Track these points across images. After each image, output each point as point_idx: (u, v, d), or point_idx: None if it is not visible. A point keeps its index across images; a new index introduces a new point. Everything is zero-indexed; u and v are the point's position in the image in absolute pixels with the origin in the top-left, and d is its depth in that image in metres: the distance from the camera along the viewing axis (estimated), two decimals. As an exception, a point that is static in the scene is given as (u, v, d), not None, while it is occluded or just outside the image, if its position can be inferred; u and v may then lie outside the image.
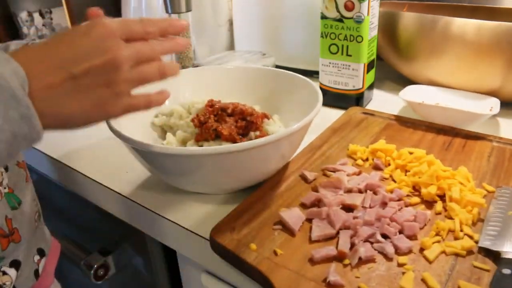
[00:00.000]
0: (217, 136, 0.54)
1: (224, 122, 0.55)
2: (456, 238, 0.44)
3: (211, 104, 0.58)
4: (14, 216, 0.48)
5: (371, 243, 0.44)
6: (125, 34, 0.37)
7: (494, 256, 0.41)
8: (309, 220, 0.47)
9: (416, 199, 0.50)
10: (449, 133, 0.64)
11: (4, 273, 0.47)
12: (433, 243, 0.43)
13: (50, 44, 0.35)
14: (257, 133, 0.55)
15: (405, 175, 0.54)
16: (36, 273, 0.52)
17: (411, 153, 0.57)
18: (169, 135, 0.58)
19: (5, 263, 0.47)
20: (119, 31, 0.36)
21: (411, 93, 0.74)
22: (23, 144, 0.33)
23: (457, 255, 0.42)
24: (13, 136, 0.31)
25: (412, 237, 0.44)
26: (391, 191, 0.51)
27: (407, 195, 0.51)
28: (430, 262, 0.41)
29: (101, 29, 0.35)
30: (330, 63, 0.77)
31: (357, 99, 0.77)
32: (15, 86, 0.30)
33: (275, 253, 0.43)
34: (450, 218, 0.47)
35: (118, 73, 0.36)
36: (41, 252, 0.54)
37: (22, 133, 0.32)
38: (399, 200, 0.49)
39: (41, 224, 0.57)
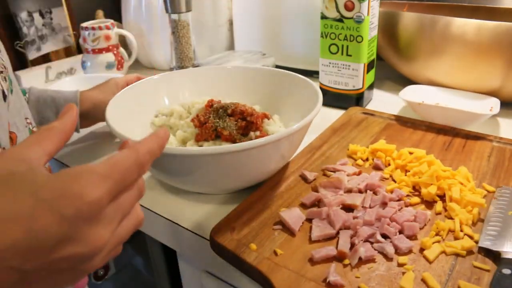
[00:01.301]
0: (217, 136, 0.54)
1: (224, 122, 0.55)
2: (456, 238, 0.44)
3: (211, 104, 0.58)
4: None
5: (371, 243, 0.44)
6: (116, 191, 0.26)
7: (494, 256, 0.41)
8: (309, 220, 0.47)
9: (416, 199, 0.50)
10: (449, 133, 0.64)
11: None
12: (433, 243, 0.43)
13: None
14: (257, 133, 0.55)
15: (405, 175, 0.54)
16: None
17: (411, 153, 0.57)
18: (169, 135, 0.58)
19: None
20: (109, 196, 0.26)
21: (411, 93, 0.74)
22: None
23: (457, 255, 0.42)
24: None
25: (412, 237, 0.44)
26: (391, 191, 0.51)
27: (407, 195, 0.51)
28: (430, 262, 0.41)
29: (82, 205, 0.24)
30: (330, 63, 0.77)
31: (357, 99, 0.77)
32: None
33: (275, 253, 0.43)
34: (450, 218, 0.47)
35: (91, 260, 0.26)
36: None
37: None
38: (399, 200, 0.49)
39: None
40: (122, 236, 0.29)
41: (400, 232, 0.45)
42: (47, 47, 1.01)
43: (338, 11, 0.72)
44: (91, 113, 0.66)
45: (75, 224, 0.24)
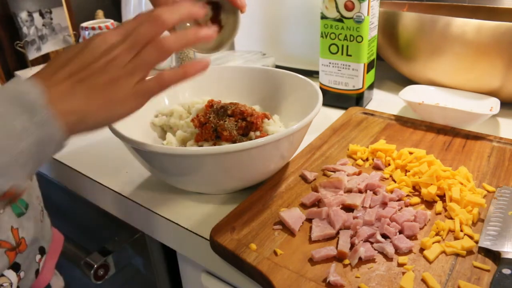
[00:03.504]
0: (217, 136, 0.54)
1: (224, 122, 0.55)
2: (456, 238, 0.44)
3: (211, 104, 0.58)
4: (20, 224, 0.48)
5: (371, 243, 0.44)
6: (121, 34, 0.39)
7: (494, 256, 0.41)
8: (309, 220, 0.47)
9: (416, 199, 0.50)
10: (449, 133, 0.64)
11: (2, 275, 0.46)
12: (433, 243, 0.43)
13: (57, 61, 0.39)
14: (257, 133, 0.55)
15: (405, 175, 0.54)
16: (37, 272, 0.52)
17: (411, 153, 0.57)
18: (169, 135, 0.58)
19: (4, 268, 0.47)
20: (114, 33, 0.38)
21: (411, 93, 0.74)
22: (50, 147, 0.36)
23: (457, 255, 0.42)
24: (40, 139, 0.35)
25: (412, 237, 0.44)
26: (391, 191, 0.51)
27: (407, 195, 0.51)
28: (430, 262, 0.41)
29: (96, 37, 0.38)
30: (330, 63, 0.77)
31: (357, 99, 0.77)
32: (33, 97, 0.35)
33: (275, 253, 0.43)
34: (450, 218, 0.47)
35: (112, 66, 0.38)
36: (42, 251, 0.54)
37: (48, 135, 0.35)
38: (399, 200, 0.49)
39: (45, 219, 0.57)
40: (141, 56, 0.39)
41: (400, 232, 0.45)
42: (47, 47, 1.01)
43: (338, 11, 0.72)
44: None
45: (91, 38, 0.38)
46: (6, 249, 0.46)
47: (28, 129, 0.34)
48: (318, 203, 0.50)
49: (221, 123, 0.54)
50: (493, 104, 0.68)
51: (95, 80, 0.37)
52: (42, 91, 0.35)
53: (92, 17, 1.11)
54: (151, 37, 0.39)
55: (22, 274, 0.48)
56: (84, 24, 0.96)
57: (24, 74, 0.96)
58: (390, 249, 0.42)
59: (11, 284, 0.47)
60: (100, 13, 1.12)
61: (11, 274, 0.47)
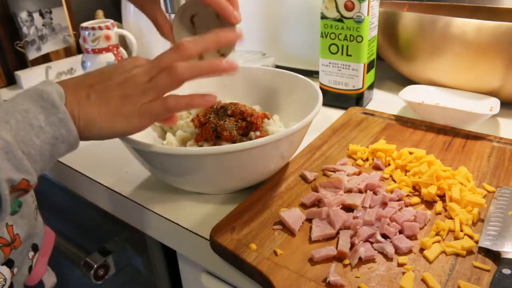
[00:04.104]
0: (217, 136, 0.54)
1: (224, 122, 0.55)
2: (456, 238, 0.44)
3: (211, 105, 0.58)
4: (14, 221, 0.48)
5: (371, 243, 0.44)
6: (150, 61, 0.43)
7: (494, 256, 0.41)
8: (309, 220, 0.47)
9: (416, 199, 0.50)
10: (449, 133, 0.64)
11: None
12: (433, 243, 0.43)
13: (86, 75, 0.43)
14: (257, 133, 0.55)
15: (405, 175, 0.54)
16: (30, 269, 0.53)
17: (411, 153, 0.57)
18: (169, 135, 0.58)
19: None
20: (144, 59, 0.43)
21: (411, 93, 0.74)
22: (63, 147, 0.39)
23: (457, 255, 0.42)
24: (54, 138, 0.38)
25: (412, 237, 0.44)
26: (391, 191, 0.51)
27: (407, 195, 0.51)
28: (430, 262, 0.41)
29: (132, 59, 0.43)
30: (330, 63, 0.77)
31: (357, 99, 0.77)
32: (54, 97, 0.38)
33: (275, 253, 0.43)
34: (450, 218, 0.47)
35: (129, 73, 0.42)
36: (35, 248, 0.54)
37: (61, 135, 0.38)
38: (399, 200, 0.49)
39: (38, 217, 0.57)
40: (159, 78, 0.42)
41: (400, 232, 0.45)
42: (47, 47, 1.01)
43: (338, 11, 0.72)
44: None
45: (122, 62, 0.43)
46: (2, 244, 0.47)
47: (43, 128, 0.37)
48: (318, 203, 0.50)
49: (221, 123, 0.54)
50: (493, 104, 0.68)
51: (110, 92, 0.41)
52: (62, 93, 0.39)
53: (92, 17, 1.11)
54: (170, 63, 0.42)
55: (15, 270, 0.49)
56: (84, 24, 0.96)
57: (24, 74, 0.96)
58: (390, 249, 0.42)
59: (5, 279, 0.48)
60: (100, 13, 1.12)
61: (5, 270, 0.48)
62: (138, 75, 0.42)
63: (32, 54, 0.97)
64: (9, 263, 0.49)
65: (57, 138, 0.38)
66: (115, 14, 1.14)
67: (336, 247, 0.43)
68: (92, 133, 0.41)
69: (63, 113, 0.38)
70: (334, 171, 0.56)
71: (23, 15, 0.95)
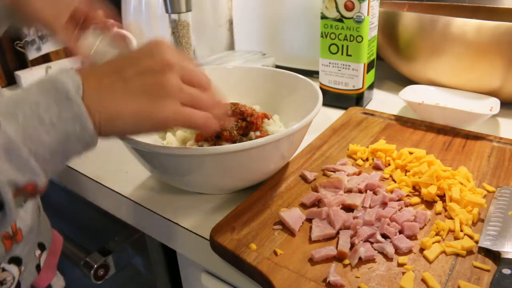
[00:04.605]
0: (217, 136, 0.54)
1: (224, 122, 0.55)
2: (456, 238, 0.44)
3: (211, 104, 0.58)
4: (18, 216, 0.48)
5: (371, 243, 0.44)
6: (181, 67, 0.38)
7: (494, 256, 0.41)
8: (309, 220, 0.47)
9: (416, 199, 0.50)
10: (449, 133, 0.64)
11: (4, 269, 0.47)
12: (433, 243, 0.43)
13: (111, 59, 0.37)
14: (257, 133, 0.55)
15: (405, 175, 0.54)
16: (38, 268, 0.53)
17: (411, 153, 0.57)
18: (169, 135, 0.58)
19: (4, 260, 0.48)
20: (176, 56, 0.37)
21: (411, 93, 0.74)
22: (77, 146, 0.34)
23: (457, 255, 0.42)
24: (66, 136, 0.33)
25: (412, 237, 0.44)
26: (391, 191, 0.51)
27: (407, 195, 0.51)
28: (430, 262, 0.41)
29: (158, 44, 0.37)
30: (330, 63, 0.77)
31: (357, 99, 0.77)
32: (69, 88, 0.33)
33: (275, 253, 0.43)
34: (450, 218, 0.47)
35: (167, 75, 0.36)
36: (42, 247, 0.54)
37: (75, 132, 0.33)
38: (399, 200, 0.49)
39: (42, 217, 0.57)
40: (190, 78, 0.39)
41: (400, 232, 0.45)
42: (47, 47, 1.01)
43: (338, 11, 0.72)
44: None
45: (153, 50, 0.37)
46: (3, 237, 0.46)
47: (55, 124, 0.32)
48: (318, 203, 0.50)
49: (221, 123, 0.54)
50: (493, 104, 0.68)
51: (143, 81, 0.36)
52: (79, 84, 0.34)
53: (92, 17, 1.11)
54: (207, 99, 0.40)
55: (22, 268, 0.49)
56: (84, 24, 0.96)
57: (24, 74, 0.96)
58: (390, 249, 0.42)
59: (13, 278, 0.48)
60: (100, 13, 1.12)
61: (13, 269, 0.48)
62: (172, 63, 0.36)
63: (32, 54, 0.97)
64: (17, 261, 0.49)
65: (70, 136, 0.33)
66: (115, 14, 1.14)
67: (336, 247, 0.43)
68: (115, 129, 0.36)
69: (77, 108, 0.33)
70: (334, 171, 0.56)
71: (23, 15, 0.95)
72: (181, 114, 0.37)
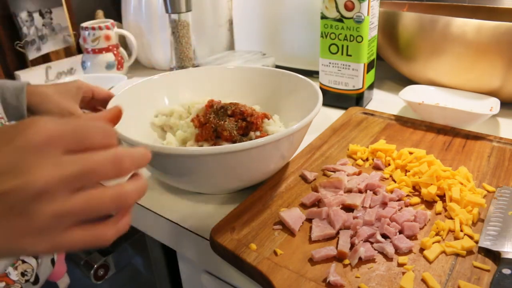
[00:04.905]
0: (217, 136, 0.54)
1: (224, 122, 0.55)
2: (456, 238, 0.44)
3: (211, 104, 0.58)
4: None
5: (371, 243, 0.44)
6: (74, 142, 0.27)
7: (494, 256, 0.41)
8: (309, 220, 0.47)
9: (416, 199, 0.50)
10: (449, 133, 0.64)
11: (24, 261, 0.49)
12: (433, 243, 0.43)
13: None
14: (257, 133, 0.55)
15: (405, 175, 0.54)
16: (53, 261, 0.54)
17: (411, 153, 0.57)
18: (169, 135, 0.58)
19: None
20: (63, 138, 0.26)
21: (411, 93, 0.74)
22: None
23: (457, 255, 0.42)
24: None
25: (412, 237, 0.44)
26: (391, 191, 0.51)
27: (407, 195, 0.51)
28: (430, 262, 0.41)
29: (33, 134, 0.25)
30: (330, 63, 0.77)
31: (357, 99, 0.77)
32: None
33: (275, 253, 0.43)
34: (450, 218, 0.47)
35: (35, 203, 0.25)
36: None
37: None
38: (399, 200, 0.49)
39: None
40: (87, 198, 0.28)
41: (400, 232, 0.45)
42: (47, 47, 1.01)
43: (338, 11, 0.72)
44: (39, 108, 0.61)
45: (21, 153, 0.25)
46: None
47: None
48: (318, 203, 0.50)
49: (221, 123, 0.54)
50: (493, 104, 0.68)
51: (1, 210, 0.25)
52: None
53: (92, 17, 1.11)
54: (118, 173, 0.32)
55: (39, 260, 0.52)
56: (84, 24, 0.97)
57: (24, 74, 0.96)
58: (390, 249, 0.42)
59: (33, 269, 0.50)
60: (100, 13, 1.12)
61: (33, 261, 0.51)
62: (42, 186, 0.25)
63: (32, 54, 0.97)
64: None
65: None
66: (115, 14, 1.14)
67: (336, 247, 0.43)
68: None
69: None
70: (334, 171, 0.56)
71: (23, 15, 0.95)
72: (64, 245, 0.27)
